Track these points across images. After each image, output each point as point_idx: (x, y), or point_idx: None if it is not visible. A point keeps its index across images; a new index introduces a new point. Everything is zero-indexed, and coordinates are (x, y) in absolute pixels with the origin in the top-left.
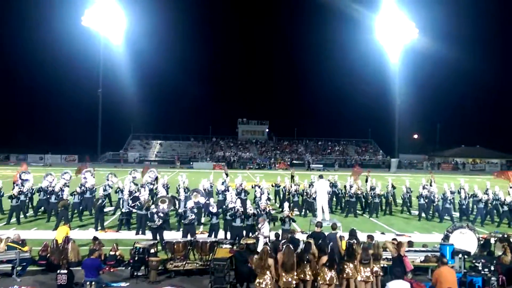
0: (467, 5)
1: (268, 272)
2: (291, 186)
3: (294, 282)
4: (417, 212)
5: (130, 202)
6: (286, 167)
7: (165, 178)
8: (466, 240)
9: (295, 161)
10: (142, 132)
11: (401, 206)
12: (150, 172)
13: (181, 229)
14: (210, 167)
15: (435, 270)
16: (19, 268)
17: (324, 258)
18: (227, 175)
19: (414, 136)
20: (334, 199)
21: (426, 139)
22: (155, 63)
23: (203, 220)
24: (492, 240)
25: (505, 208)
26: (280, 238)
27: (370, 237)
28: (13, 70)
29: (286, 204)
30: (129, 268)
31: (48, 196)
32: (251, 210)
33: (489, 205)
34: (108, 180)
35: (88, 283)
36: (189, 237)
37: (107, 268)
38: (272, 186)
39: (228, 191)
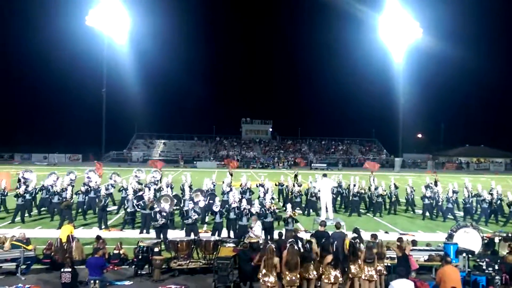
0: (471, 5)
1: (273, 271)
2: (294, 186)
3: (297, 280)
4: (421, 211)
5: (135, 201)
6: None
7: (169, 177)
8: (470, 239)
9: (298, 160)
10: (146, 132)
11: (405, 205)
12: (154, 172)
13: (184, 228)
14: (214, 167)
15: (439, 269)
16: (23, 266)
17: (329, 257)
18: (231, 174)
19: (418, 136)
20: (339, 198)
21: (430, 139)
22: (159, 62)
23: (207, 219)
24: (497, 240)
25: None
26: (283, 238)
27: (374, 236)
28: (17, 70)
29: (289, 206)
30: (133, 266)
31: (51, 196)
32: (257, 208)
33: (494, 204)
34: (111, 179)
35: (92, 281)
36: (192, 236)
37: (111, 267)
38: (276, 185)
39: (232, 190)
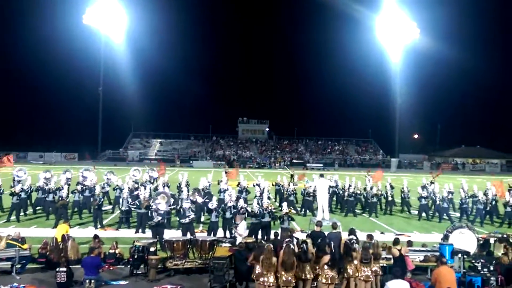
0: (468, 5)
1: (272, 271)
2: (289, 185)
3: (293, 281)
4: (416, 212)
5: (130, 200)
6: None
7: (165, 177)
8: (465, 240)
9: (295, 160)
10: (143, 131)
11: (400, 206)
12: (150, 171)
13: (180, 228)
14: (210, 166)
15: (434, 270)
16: (18, 265)
17: (326, 258)
18: (226, 173)
19: (415, 136)
20: (334, 198)
21: (427, 139)
22: (156, 61)
23: (202, 218)
24: (492, 240)
25: (508, 209)
26: (279, 237)
27: (370, 237)
28: (14, 68)
29: (285, 204)
30: (129, 266)
31: (45, 194)
32: (256, 208)
33: (489, 205)
34: (106, 178)
35: (87, 281)
36: (189, 236)
37: (106, 266)
38: (273, 185)
39: (228, 190)
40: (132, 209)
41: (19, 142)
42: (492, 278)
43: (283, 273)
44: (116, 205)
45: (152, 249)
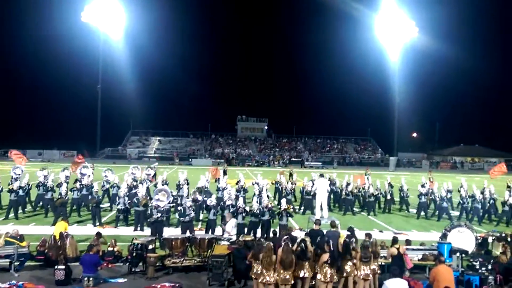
0: (467, 4)
1: (272, 268)
2: (287, 183)
3: (291, 279)
4: (415, 211)
5: (127, 199)
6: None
7: (164, 175)
8: (464, 239)
9: (293, 159)
10: (141, 129)
11: (399, 204)
12: (147, 169)
13: (180, 226)
14: (209, 164)
15: (432, 269)
16: (17, 263)
17: (325, 256)
18: (225, 172)
19: (413, 135)
20: (332, 196)
21: (425, 138)
22: (155, 59)
23: (201, 216)
24: (490, 239)
25: (506, 208)
26: (278, 235)
27: (368, 235)
28: (12, 66)
29: (283, 200)
30: (127, 264)
31: (44, 192)
32: (255, 207)
33: (488, 204)
34: (105, 176)
35: (86, 278)
36: (188, 234)
37: (105, 264)
38: (273, 183)
39: (227, 189)
40: (129, 207)
41: (18, 139)
42: (490, 277)
43: (281, 271)
44: (114, 203)
45: (150, 246)
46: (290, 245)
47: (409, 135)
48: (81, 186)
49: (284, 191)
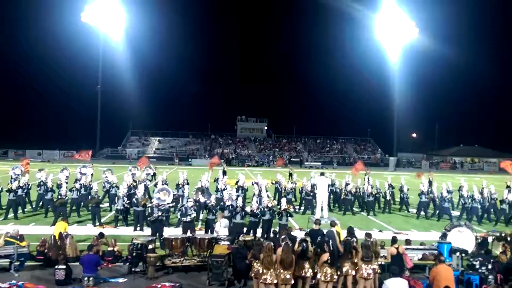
0: (467, 5)
1: (272, 268)
2: (287, 183)
3: (292, 279)
4: (415, 210)
5: (126, 199)
6: (283, 163)
7: (164, 175)
8: (464, 238)
9: (293, 159)
10: (141, 129)
11: (399, 204)
12: (146, 169)
13: (180, 226)
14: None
15: (432, 268)
16: (17, 263)
17: (325, 256)
18: (224, 172)
19: (413, 135)
20: (332, 196)
21: (425, 138)
22: (155, 59)
23: (201, 216)
24: (490, 239)
25: (504, 206)
26: (277, 235)
27: (368, 235)
28: (12, 66)
29: (283, 200)
30: (127, 264)
31: (44, 192)
32: (255, 206)
33: (487, 203)
34: (105, 176)
35: (86, 278)
36: (189, 234)
37: (105, 264)
38: (272, 183)
39: (226, 189)
40: (128, 207)
41: (17, 139)
42: (490, 277)
43: (281, 271)
44: (113, 204)
45: (150, 246)
46: (290, 245)
47: (408, 135)
48: (80, 186)
49: (284, 191)
